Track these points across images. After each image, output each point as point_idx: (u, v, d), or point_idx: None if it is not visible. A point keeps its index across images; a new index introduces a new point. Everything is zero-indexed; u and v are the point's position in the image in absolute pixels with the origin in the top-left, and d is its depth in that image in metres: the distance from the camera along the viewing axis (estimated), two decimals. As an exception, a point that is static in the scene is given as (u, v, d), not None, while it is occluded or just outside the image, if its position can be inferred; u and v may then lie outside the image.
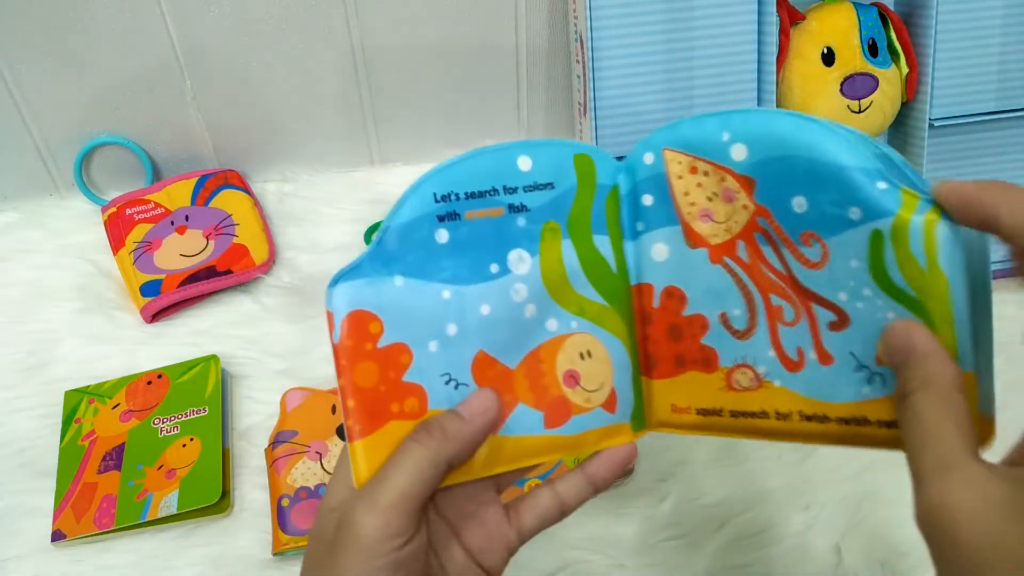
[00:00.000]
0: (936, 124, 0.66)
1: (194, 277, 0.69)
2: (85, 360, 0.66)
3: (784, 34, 0.64)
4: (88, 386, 0.63)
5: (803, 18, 0.65)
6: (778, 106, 0.66)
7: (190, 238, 0.72)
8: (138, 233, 0.72)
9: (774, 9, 0.62)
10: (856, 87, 0.64)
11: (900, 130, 0.69)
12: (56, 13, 0.68)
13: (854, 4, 0.65)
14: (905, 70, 0.66)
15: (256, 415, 0.63)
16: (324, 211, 0.78)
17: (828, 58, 0.64)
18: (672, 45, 0.63)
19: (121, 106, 0.75)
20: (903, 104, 0.67)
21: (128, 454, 0.58)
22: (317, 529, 0.35)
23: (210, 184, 0.76)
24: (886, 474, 0.60)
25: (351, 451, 0.34)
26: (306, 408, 0.61)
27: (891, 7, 0.67)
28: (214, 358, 0.64)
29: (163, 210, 0.74)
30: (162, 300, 0.68)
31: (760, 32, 0.63)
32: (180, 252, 0.71)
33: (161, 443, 0.59)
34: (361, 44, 0.74)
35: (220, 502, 0.56)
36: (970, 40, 0.66)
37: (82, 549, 0.56)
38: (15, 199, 0.79)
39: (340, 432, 0.59)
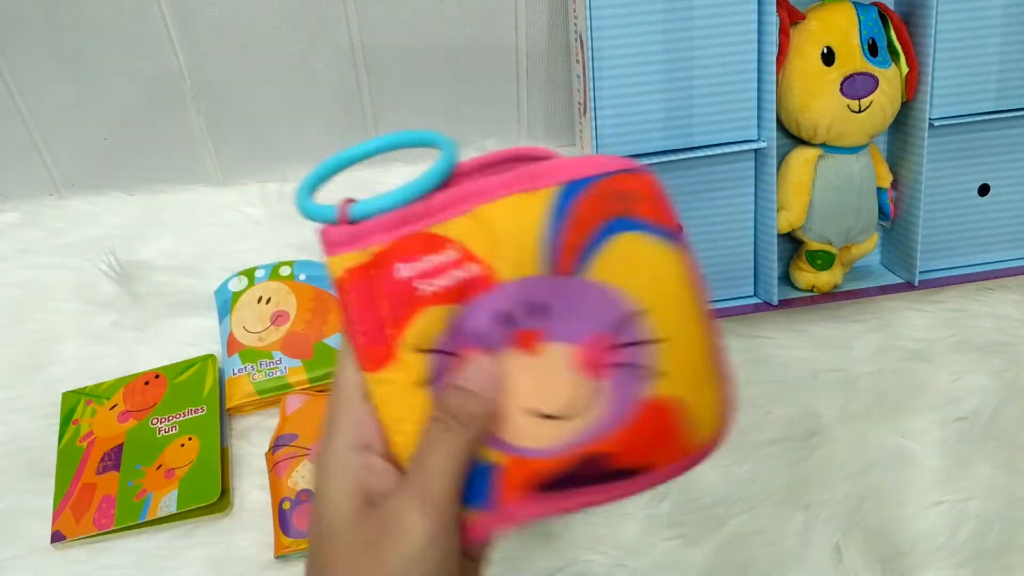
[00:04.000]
0: (936, 124, 0.66)
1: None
2: (84, 360, 0.66)
3: (784, 34, 0.64)
4: (85, 387, 0.63)
5: (803, 18, 0.65)
6: (778, 106, 0.66)
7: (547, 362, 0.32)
8: (428, 323, 0.32)
9: (774, 9, 0.62)
10: (856, 87, 0.64)
11: (900, 130, 0.69)
12: (56, 13, 0.68)
13: (854, 4, 0.65)
14: (905, 70, 0.66)
15: (254, 415, 0.63)
16: (324, 211, 0.78)
17: (828, 58, 0.64)
18: (672, 45, 0.63)
19: (121, 106, 0.75)
20: (903, 104, 0.67)
21: (127, 454, 0.58)
22: (333, 518, 0.31)
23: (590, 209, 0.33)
24: (886, 474, 0.60)
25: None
26: (306, 411, 0.60)
27: (891, 7, 0.67)
28: (211, 357, 0.64)
29: (481, 270, 0.32)
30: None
31: (760, 32, 0.63)
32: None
33: (159, 443, 0.59)
34: (361, 44, 0.74)
35: (219, 501, 0.56)
36: (970, 40, 0.66)
37: (82, 549, 0.56)
38: (15, 199, 0.79)
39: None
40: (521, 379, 0.31)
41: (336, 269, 0.31)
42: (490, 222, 0.31)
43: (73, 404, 0.62)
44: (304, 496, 0.56)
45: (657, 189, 0.32)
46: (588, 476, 0.31)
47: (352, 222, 0.31)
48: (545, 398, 0.31)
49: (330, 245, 0.31)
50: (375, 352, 0.31)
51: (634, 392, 0.31)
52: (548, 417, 0.31)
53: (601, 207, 0.31)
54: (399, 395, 0.31)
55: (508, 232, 0.31)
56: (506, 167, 0.34)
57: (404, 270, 0.30)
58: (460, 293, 0.31)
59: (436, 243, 0.31)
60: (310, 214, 0.32)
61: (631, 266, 0.31)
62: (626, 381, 0.31)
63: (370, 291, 0.30)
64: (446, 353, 0.31)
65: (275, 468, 0.58)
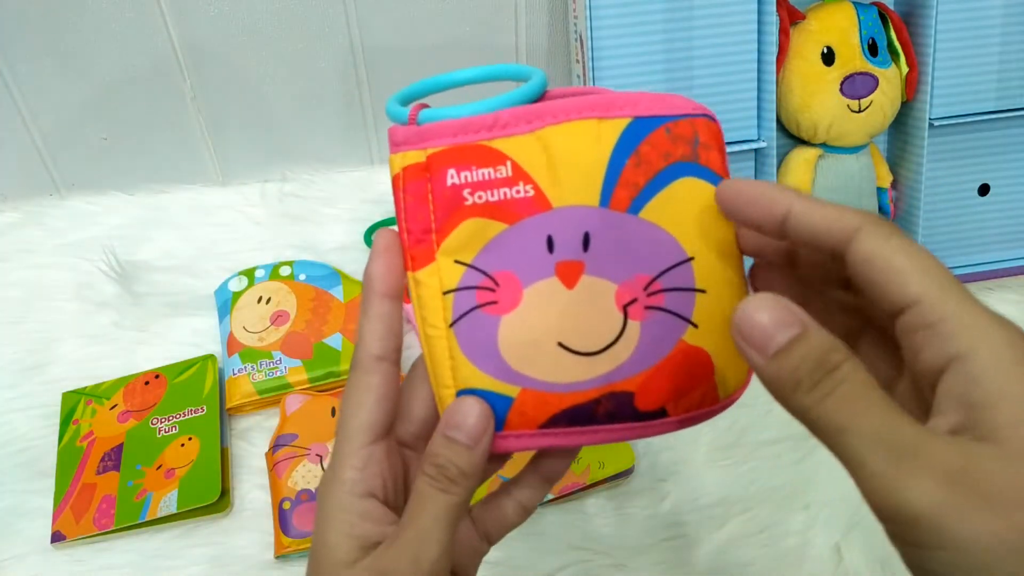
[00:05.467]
0: (936, 124, 0.66)
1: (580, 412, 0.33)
2: (84, 360, 0.66)
3: (784, 34, 0.64)
4: (85, 387, 0.63)
5: (803, 18, 0.65)
6: (778, 106, 0.66)
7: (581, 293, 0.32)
8: (470, 235, 0.31)
9: (774, 9, 0.62)
10: (856, 87, 0.64)
11: (900, 130, 0.69)
12: (56, 13, 0.68)
13: (854, 4, 0.65)
14: (905, 70, 0.66)
15: (254, 415, 0.63)
16: (324, 211, 0.78)
17: (828, 58, 0.64)
18: (672, 45, 0.63)
19: (121, 106, 0.75)
20: (903, 104, 0.67)
21: (127, 454, 0.58)
22: None
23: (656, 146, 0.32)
24: (886, 474, 0.60)
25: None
26: (306, 411, 0.60)
27: (891, 7, 0.67)
28: (211, 357, 0.64)
29: (533, 192, 0.31)
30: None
31: (760, 32, 0.63)
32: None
33: (159, 443, 0.59)
34: (361, 44, 0.74)
35: (219, 501, 0.56)
36: (970, 40, 0.66)
37: (82, 549, 0.56)
38: (15, 199, 0.79)
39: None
40: (555, 311, 0.31)
41: (395, 166, 0.31)
42: (552, 144, 0.30)
43: (73, 404, 0.62)
44: (304, 496, 0.56)
45: (722, 139, 0.32)
46: (604, 414, 0.31)
47: (420, 125, 0.32)
48: (578, 334, 0.31)
49: (394, 143, 0.32)
50: (417, 252, 0.31)
51: (668, 338, 0.31)
52: (577, 353, 0.31)
53: (668, 148, 0.31)
54: (431, 298, 0.32)
55: (569, 157, 0.30)
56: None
57: (455, 177, 0.31)
58: (507, 212, 0.31)
59: (492, 157, 0.31)
60: (392, 115, 0.33)
61: (686, 213, 0.31)
62: (661, 326, 0.31)
63: (422, 192, 0.31)
64: (480, 272, 0.31)
65: (275, 468, 0.58)
